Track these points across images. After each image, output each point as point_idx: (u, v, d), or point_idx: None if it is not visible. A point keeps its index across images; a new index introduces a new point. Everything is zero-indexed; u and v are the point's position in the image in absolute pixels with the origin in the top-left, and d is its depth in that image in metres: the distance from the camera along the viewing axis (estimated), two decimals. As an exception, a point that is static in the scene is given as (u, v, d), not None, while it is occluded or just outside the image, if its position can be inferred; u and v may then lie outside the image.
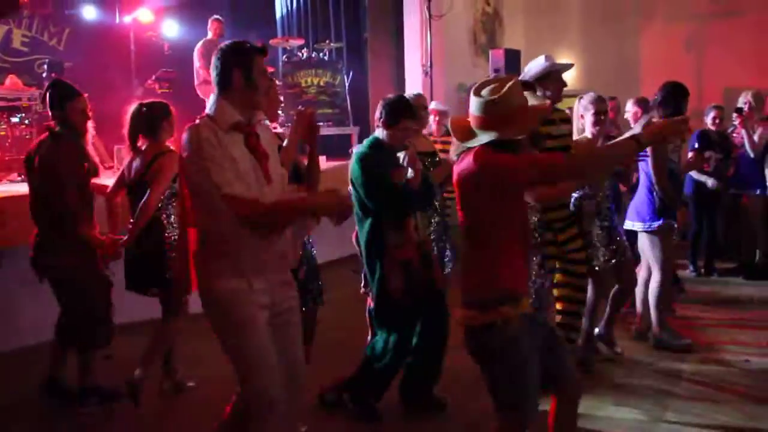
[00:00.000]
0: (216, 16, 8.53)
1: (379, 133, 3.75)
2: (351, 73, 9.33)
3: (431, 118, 5.60)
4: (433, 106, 5.85)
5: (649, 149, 4.52)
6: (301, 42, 9.15)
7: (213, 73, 2.65)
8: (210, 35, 8.43)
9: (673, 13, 11.25)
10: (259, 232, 2.58)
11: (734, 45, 10.41)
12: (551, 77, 3.99)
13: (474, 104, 2.57)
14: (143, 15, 8.41)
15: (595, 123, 4.21)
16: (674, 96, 4.60)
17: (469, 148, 2.58)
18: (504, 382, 2.57)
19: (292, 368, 2.73)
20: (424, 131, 5.33)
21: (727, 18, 10.94)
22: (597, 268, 4.33)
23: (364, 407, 3.88)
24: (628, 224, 4.84)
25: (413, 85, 9.03)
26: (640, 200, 4.78)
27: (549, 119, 3.83)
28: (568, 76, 4.22)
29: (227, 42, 2.71)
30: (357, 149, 3.79)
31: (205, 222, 2.63)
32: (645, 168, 4.68)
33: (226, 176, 2.48)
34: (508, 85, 2.54)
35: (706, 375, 4.42)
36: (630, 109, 5.88)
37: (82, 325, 3.97)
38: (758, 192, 6.51)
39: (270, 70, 9.08)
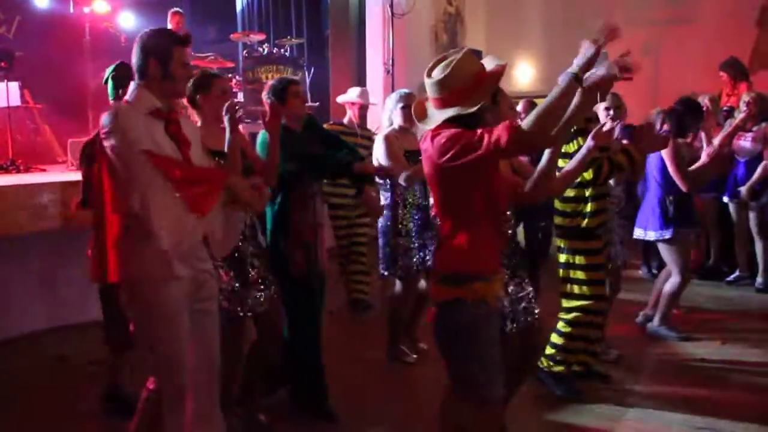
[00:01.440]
0: (176, 9, 8.35)
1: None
2: (312, 70, 9.25)
3: (352, 110, 5.59)
4: (351, 97, 5.67)
5: (664, 153, 4.76)
6: (262, 37, 9.03)
7: (133, 60, 2.65)
8: (170, 28, 8.26)
9: (631, 18, 11.41)
10: (188, 206, 2.59)
11: (689, 51, 10.63)
12: None
13: (429, 87, 2.50)
14: (99, 5, 8.18)
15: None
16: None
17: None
18: (466, 360, 2.54)
19: (208, 357, 2.76)
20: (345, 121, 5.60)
21: (683, 25, 11.17)
22: None
23: (310, 406, 3.83)
24: (639, 232, 4.99)
25: (375, 83, 9.00)
26: (650, 209, 4.94)
27: None
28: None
29: (148, 30, 2.71)
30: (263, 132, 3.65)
31: (127, 206, 2.59)
32: (655, 176, 4.81)
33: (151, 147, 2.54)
34: (457, 57, 2.45)
35: (664, 374, 4.47)
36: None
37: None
38: (712, 195, 6.62)
39: (229, 65, 9.01)
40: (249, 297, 3.38)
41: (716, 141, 5.75)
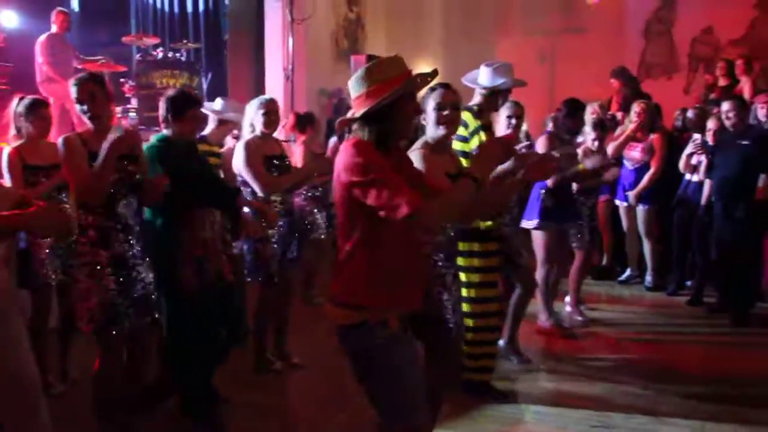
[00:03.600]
0: (60, 8, 7.94)
1: (167, 130, 3.59)
2: (209, 76, 9.01)
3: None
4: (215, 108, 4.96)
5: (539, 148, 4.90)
6: (156, 40, 8.70)
7: None
8: (54, 29, 7.82)
9: (527, 27, 11.76)
10: None
11: (583, 59, 11.00)
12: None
13: (350, 86, 2.40)
14: (-24, 4, 7.70)
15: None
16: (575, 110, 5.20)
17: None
18: (378, 386, 2.39)
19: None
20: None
21: (577, 34, 11.57)
22: None
23: (199, 416, 3.68)
24: (524, 222, 5.10)
25: (274, 89, 8.85)
26: (532, 200, 5.09)
27: None
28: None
29: None
30: (147, 146, 3.57)
31: None
32: None
33: None
34: (382, 58, 2.41)
35: (560, 374, 4.55)
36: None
37: None
38: (605, 198, 6.83)
39: (121, 69, 8.65)
40: (126, 312, 3.23)
41: (609, 150, 5.98)
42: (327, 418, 3.92)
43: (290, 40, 8.68)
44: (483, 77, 4.08)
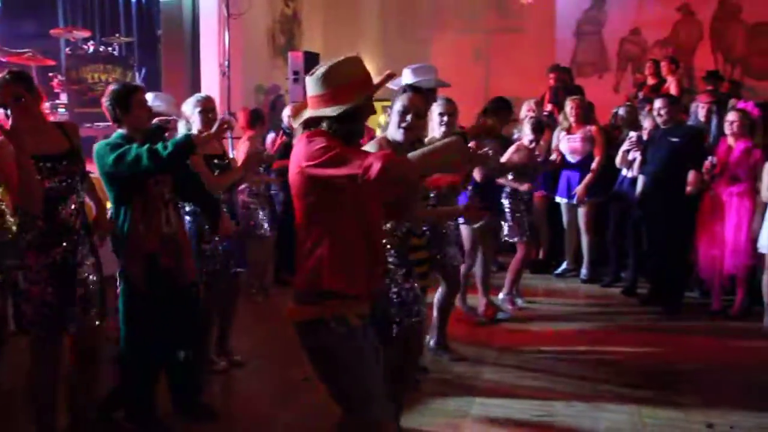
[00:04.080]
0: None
1: (121, 129, 3.48)
2: (143, 71, 8.80)
3: None
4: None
5: None
6: (87, 34, 8.44)
7: None
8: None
9: (463, 26, 11.91)
10: None
11: (517, 58, 11.22)
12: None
13: (309, 84, 2.40)
14: None
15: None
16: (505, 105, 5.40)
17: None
18: (338, 383, 2.41)
19: None
20: None
21: (511, 33, 11.81)
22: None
23: (142, 423, 3.59)
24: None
25: (210, 85, 8.71)
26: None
27: None
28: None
29: None
30: (101, 142, 3.47)
31: None
32: None
33: None
34: (342, 58, 2.40)
35: (504, 367, 4.62)
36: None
37: None
38: (542, 193, 6.98)
39: (50, 63, 8.35)
40: (67, 314, 3.16)
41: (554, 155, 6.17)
42: (273, 416, 3.88)
43: (226, 35, 8.55)
44: (405, 78, 4.16)
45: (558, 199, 6.84)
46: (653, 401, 4.04)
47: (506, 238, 5.73)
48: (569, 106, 6.61)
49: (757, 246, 5.24)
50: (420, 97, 3.17)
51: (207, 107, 4.25)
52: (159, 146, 3.27)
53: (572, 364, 4.65)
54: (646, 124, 6.12)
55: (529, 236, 5.74)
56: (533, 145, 5.64)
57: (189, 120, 4.27)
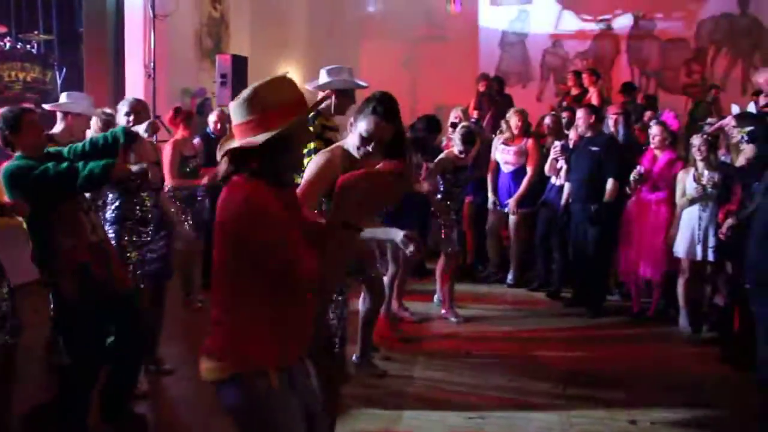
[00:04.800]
0: None
1: (18, 152, 3.42)
2: (64, 70, 8.50)
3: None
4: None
5: None
6: (2, 30, 8.10)
7: None
8: None
9: (391, 32, 12.02)
10: None
11: (443, 66, 11.42)
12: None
13: (232, 112, 2.11)
14: None
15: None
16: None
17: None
18: None
19: None
20: None
21: (438, 41, 12.01)
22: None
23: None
24: None
25: (135, 87, 8.50)
26: None
27: None
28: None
29: None
30: (7, 167, 3.41)
31: None
32: None
33: None
34: (269, 78, 2.12)
35: (434, 372, 4.68)
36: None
37: None
38: (469, 200, 7.11)
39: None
40: None
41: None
42: (204, 423, 3.83)
43: (152, 36, 8.37)
44: (321, 78, 4.15)
45: (490, 206, 6.92)
46: (580, 401, 4.20)
47: (432, 248, 5.74)
48: (514, 118, 6.74)
49: (673, 251, 5.50)
50: (389, 128, 2.96)
51: (134, 110, 4.16)
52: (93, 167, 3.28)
53: (501, 367, 4.74)
54: (570, 133, 6.33)
55: (456, 244, 5.76)
56: (463, 155, 5.68)
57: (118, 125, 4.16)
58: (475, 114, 8.41)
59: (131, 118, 4.12)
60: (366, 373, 4.56)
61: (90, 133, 4.66)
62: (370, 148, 2.93)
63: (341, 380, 3.39)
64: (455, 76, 10.98)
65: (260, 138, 2.02)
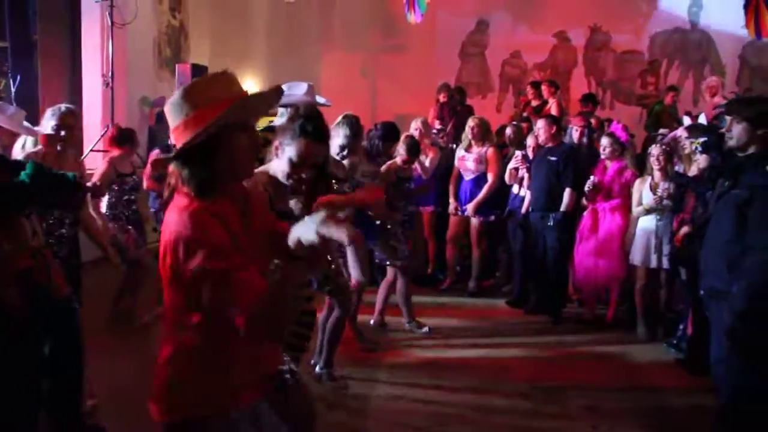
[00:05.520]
0: None
1: None
2: (18, 78, 8.32)
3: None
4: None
5: None
6: (-47, 37, 7.94)
7: None
8: None
9: (350, 43, 12.08)
10: None
11: (402, 76, 11.51)
12: None
13: (167, 112, 1.92)
14: None
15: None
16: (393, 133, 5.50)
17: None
18: None
19: None
20: None
21: (396, 51, 12.10)
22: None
23: None
24: None
25: (92, 95, 8.39)
26: None
27: None
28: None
29: None
30: None
31: None
32: None
33: None
34: (209, 74, 1.98)
35: (397, 383, 4.68)
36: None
37: None
38: (430, 209, 7.17)
39: None
40: None
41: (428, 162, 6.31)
42: None
43: (110, 44, 8.26)
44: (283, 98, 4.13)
45: (451, 212, 6.96)
46: (542, 408, 4.25)
47: (380, 261, 5.65)
48: (469, 125, 6.81)
49: (629, 258, 5.62)
50: (322, 148, 2.83)
51: (62, 122, 4.00)
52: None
53: (464, 376, 4.77)
54: (530, 142, 6.42)
55: (406, 256, 5.61)
56: (406, 165, 5.67)
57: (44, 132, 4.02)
58: (437, 124, 8.48)
59: (63, 134, 3.97)
60: (328, 384, 4.51)
61: (19, 150, 4.47)
62: (303, 175, 2.71)
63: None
64: (413, 85, 11.07)
65: (189, 137, 1.81)
